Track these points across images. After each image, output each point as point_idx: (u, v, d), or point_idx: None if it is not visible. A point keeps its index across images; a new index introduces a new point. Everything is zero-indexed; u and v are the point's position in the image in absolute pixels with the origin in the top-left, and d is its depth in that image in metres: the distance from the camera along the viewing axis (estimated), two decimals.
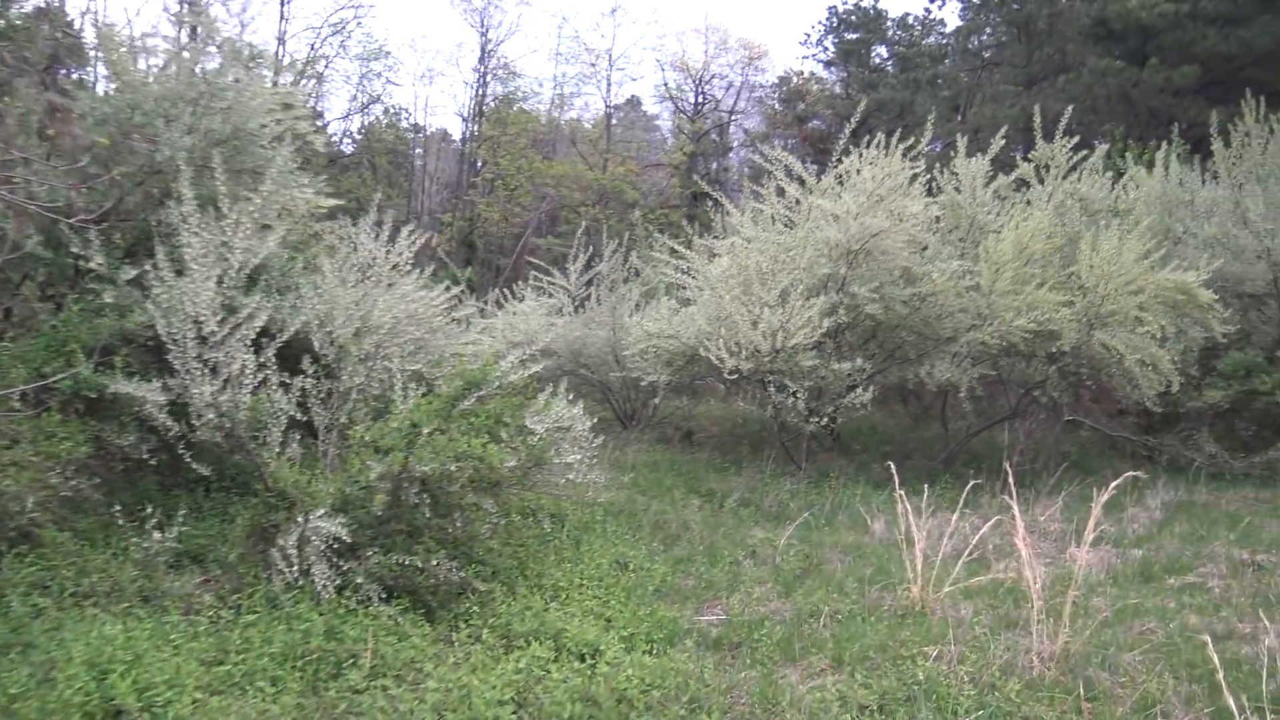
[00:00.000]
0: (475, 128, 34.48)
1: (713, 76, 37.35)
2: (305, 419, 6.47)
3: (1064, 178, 12.30)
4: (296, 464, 6.15)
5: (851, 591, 6.26)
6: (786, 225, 11.88)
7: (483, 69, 34.01)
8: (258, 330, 5.74)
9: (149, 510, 5.71)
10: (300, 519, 5.15)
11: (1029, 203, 11.91)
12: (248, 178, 8.68)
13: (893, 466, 6.58)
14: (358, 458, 5.59)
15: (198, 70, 8.51)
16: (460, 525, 5.72)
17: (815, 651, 5.06)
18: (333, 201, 9.87)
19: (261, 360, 5.81)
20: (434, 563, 5.34)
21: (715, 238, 13.04)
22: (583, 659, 4.73)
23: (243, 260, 5.92)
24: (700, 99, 37.16)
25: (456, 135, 41.42)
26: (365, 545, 5.42)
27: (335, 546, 5.19)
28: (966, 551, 6.15)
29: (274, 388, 6.00)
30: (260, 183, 8.71)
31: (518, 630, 5.01)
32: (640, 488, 9.89)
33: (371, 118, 37.28)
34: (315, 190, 9.57)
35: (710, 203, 13.79)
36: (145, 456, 6.53)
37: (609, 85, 36.23)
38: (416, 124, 40.29)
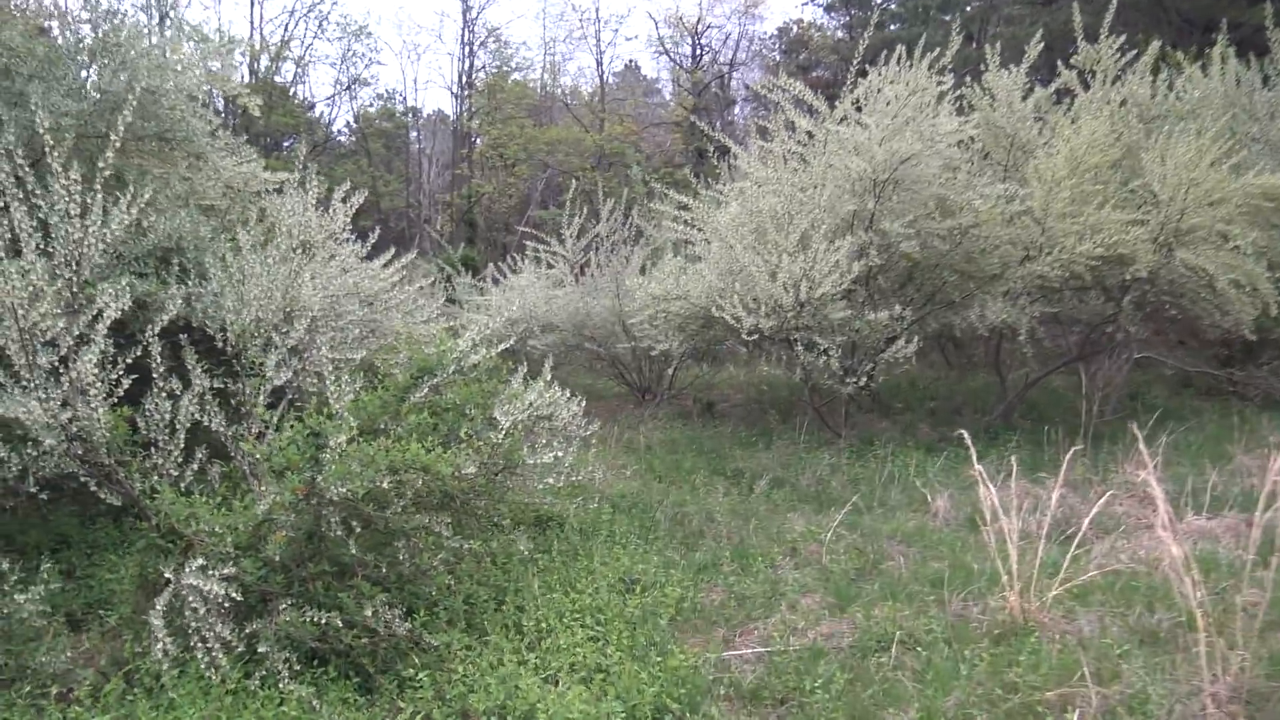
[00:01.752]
0: (466, 103, 32.94)
1: (709, 28, 35.55)
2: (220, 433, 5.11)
3: (1113, 82, 10.71)
4: (216, 490, 4.82)
5: (926, 600, 4.82)
6: (801, 162, 10.39)
7: (468, 38, 32.39)
8: (111, 324, 4.32)
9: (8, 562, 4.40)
10: (171, 573, 3.78)
11: (1074, 120, 10.30)
12: (154, 144, 7.34)
13: (966, 436, 5.12)
14: (255, 484, 4.22)
15: (86, 29, 7.23)
16: (406, 558, 4.34)
17: (893, 708, 3.63)
18: (283, 175, 8.52)
19: (129, 360, 4.44)
20: (368, 613, 3.97)
21: (723, 185, 11.56)
22: None
23: (96, 238, 4.49)
24: (698, 51, 35.42)
25: (450, 113, 39.87)
26: (278, 595, 4.07)
27: (226, 605, 3.83)
28: (1076, 537, 4.69)
29: (160, 395, 4.65)
30: (172, 149, 7.45)
31: (476, 708, 3.62)
32: (656, 473, 8.50)
33: (364, 104, 35.95)
34: (239, 161, 8.22)
35: (715, 151, 12.22)
36: (34, 490, 5.14)
37: (598, 42, 34.58)
38: (412, 107, 38.91)
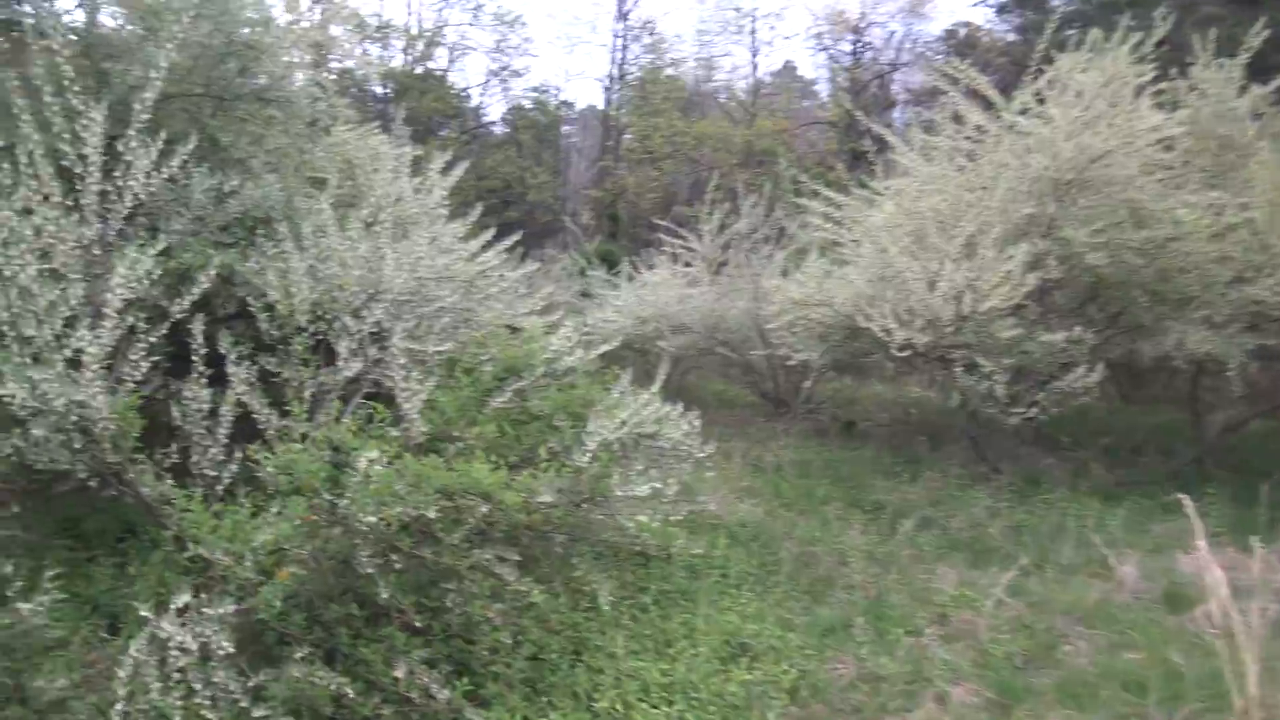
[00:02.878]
0: (616, 96, 32.39)
1: (870, 24, 33.92)
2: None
3: None
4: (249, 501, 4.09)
5: (1122, 713, 3.69)
6: (968, 160, 9.17)
7: (621, 30, 31.83)
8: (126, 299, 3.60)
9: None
10: (151, 614, 3.04)
11: None
12: (255, 105, 6.79)
13: (1188, 504, 3.94)
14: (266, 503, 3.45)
15: None
16: (458, 604, 3.49)
17: None
18: (413, 151, 7.93)
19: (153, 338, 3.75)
20: (399, 673, 3.15)
21: (878, 185, 10.39)
22: None
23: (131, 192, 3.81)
24: (858, 47, 33.87)
25: (600, 106, 39.54)
26: (297, 640, 3.29)
27: (222, 652, 3.06)
28: None
29: (199, 381, 3.97)
30: (271, 110, 6.88)
31: None
32: (784, 499, 7.49)
33: (516, 95, 35.93)
34: (360, 135, 7.65)
35: (874, 149, 11.02)
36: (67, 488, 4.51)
37: (754, 35, 33.44)
38: (566, 101, 38.72)
